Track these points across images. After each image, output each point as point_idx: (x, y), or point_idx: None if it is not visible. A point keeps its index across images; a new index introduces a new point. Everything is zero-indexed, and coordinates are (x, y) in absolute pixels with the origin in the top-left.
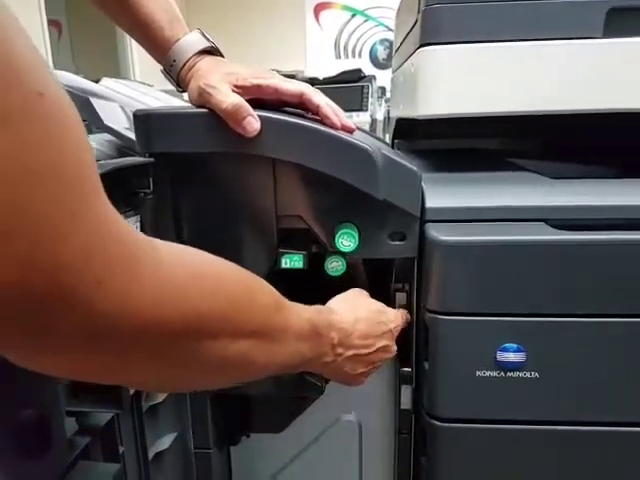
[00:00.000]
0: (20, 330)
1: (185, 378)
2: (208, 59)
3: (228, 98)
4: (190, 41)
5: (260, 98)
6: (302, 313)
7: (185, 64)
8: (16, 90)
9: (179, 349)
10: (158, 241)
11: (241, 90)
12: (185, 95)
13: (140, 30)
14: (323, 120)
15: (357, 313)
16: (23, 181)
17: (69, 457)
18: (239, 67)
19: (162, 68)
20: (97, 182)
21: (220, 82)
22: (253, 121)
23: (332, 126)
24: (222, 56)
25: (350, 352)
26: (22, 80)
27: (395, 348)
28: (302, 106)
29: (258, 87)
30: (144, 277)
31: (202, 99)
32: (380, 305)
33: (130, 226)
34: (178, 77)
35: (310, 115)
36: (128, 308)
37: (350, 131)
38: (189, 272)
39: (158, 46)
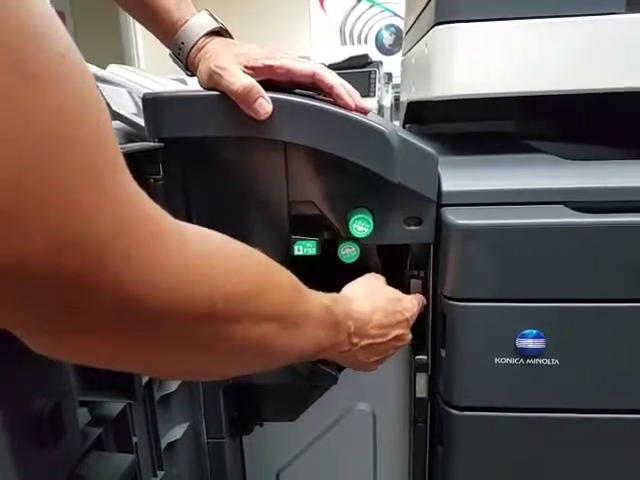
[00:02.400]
0: (47, 306)
1: (207, 363)
2: (217, 40)
3: (239, 79)
4: (198, 23)
5: (272, 79)
6: (321, 300)
7: (194, 46)
8: (39, 51)
9: (205, 331)
10: (180, 221)
11: (252, 71)
12: (193, 80)
13: (146, 13)
14: (336, 101)
15: (374, 302)
16: (52, 146)
17: (82, 447)
18: (249, 47)
19: (170, 52)
20: (120, 153)
21: (230, 63)
22: (265, 103)
23: (346, 107)
24: (231, 37)
25: (366, 341)
26: (43, 41)
27: (410, 336)
28: (314, 87)
29: (269, 68)
30: (172, 254)
31: (212, 81)
32: (396, 293)
33: (153, 202)
34: (187, 60)
35: (323, 96)
36: (157, 285)
37: (364, 112)
38: (215, 251)
39: (165, 29)
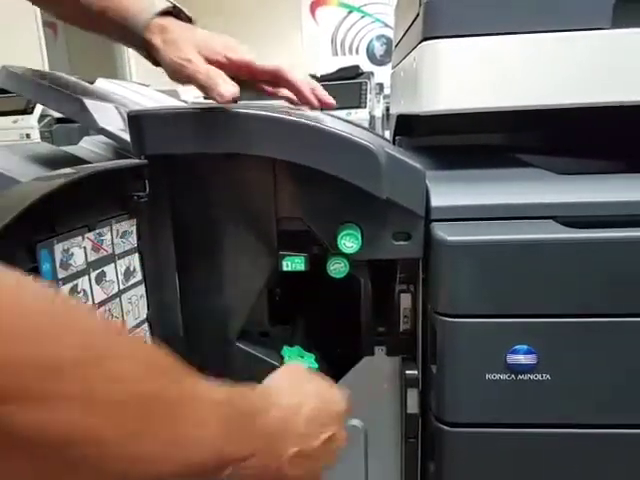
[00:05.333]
0: None
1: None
2: (174, 23)
3: (203, 67)
4: (147, 3)
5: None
6: (217, 389)
7: (149, 25)
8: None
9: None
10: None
11: (214, 66)
12: (181, 95)
13: (100, 22)
14: (297, 96)
15: (302, 391)
16: None
17: None
18: (208, 35)
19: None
20: None
21: (193, 54)
22: (229, 86)
23: (307, 103)
24: (187, 16)
25: (294, 449)
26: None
27: (345, 436)
28: (275, 81)
29: (231, 62)
30: None
31: (177, 73)
32: (327, 382)
33: None
34: (147, 45)
35: (283, 94)
36: None
37: (329, 106)
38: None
39: (121, 27)
